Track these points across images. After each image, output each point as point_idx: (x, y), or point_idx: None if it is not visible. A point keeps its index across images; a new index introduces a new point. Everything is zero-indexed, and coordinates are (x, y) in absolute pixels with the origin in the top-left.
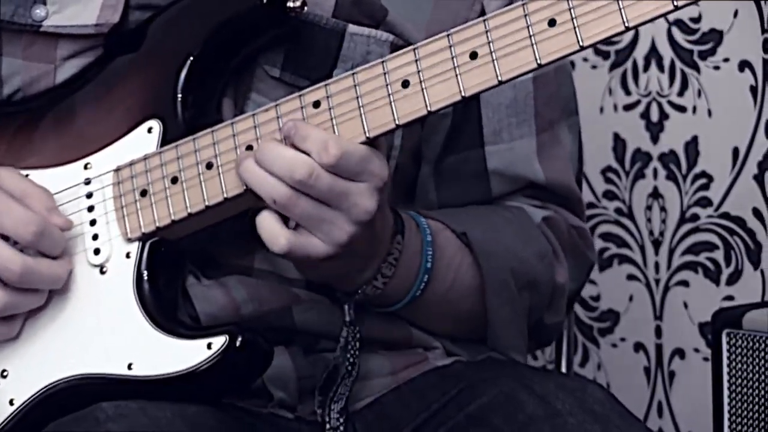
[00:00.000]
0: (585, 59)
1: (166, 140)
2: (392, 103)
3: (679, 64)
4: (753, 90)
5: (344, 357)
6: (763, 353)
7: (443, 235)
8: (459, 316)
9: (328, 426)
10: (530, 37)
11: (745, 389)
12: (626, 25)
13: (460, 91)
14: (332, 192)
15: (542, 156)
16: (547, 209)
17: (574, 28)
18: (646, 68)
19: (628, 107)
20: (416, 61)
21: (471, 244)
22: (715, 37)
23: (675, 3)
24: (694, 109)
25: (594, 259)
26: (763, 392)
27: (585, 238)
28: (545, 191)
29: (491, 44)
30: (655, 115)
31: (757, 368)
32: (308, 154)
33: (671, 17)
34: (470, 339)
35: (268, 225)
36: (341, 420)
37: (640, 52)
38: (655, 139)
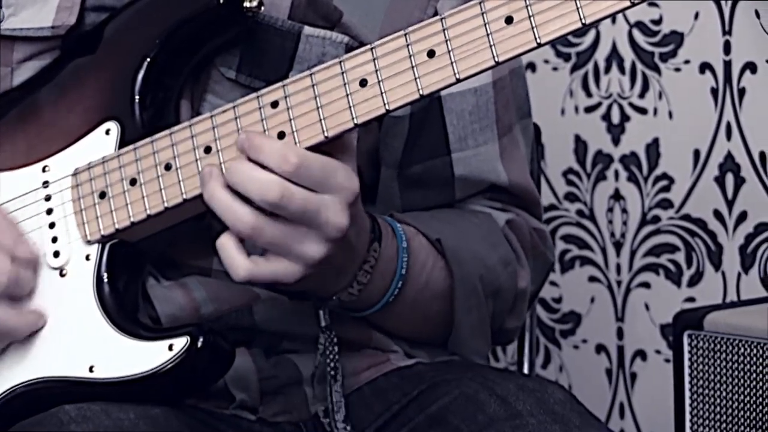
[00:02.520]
0: (546, 61)
1: (124, 142)
2: (350, 102)
3: (640, 66)
4: (714, 92)
5: (325, 363)
6: (724, 354)
7: (417, 241)
8: (426, 320)
9: None
10: (488, 35)
11: (706, 390)
12: (583, 21)
13: (418, 90)
14: (304, 211)
15: (504, 159)
16: (509, 212)
17: (532, 25)
18: (607, 70)
19: (589, 109)
20: (374, 60)
21: (444, 250)
22: (676, 39)
23: (632, 0)
24: (655, 111)
25: (553, 260)
26: (724, 393)
27: (545, 239)
28: (507, 193)
29: (449, 42)
30: (616, 117)
31: (718, 369)
32: (267, 166)
33: (632, 19)
34: (430, 343)
35: (226, 252)
36: (348, 428)
37: (601, 54)
38: (616, 141)
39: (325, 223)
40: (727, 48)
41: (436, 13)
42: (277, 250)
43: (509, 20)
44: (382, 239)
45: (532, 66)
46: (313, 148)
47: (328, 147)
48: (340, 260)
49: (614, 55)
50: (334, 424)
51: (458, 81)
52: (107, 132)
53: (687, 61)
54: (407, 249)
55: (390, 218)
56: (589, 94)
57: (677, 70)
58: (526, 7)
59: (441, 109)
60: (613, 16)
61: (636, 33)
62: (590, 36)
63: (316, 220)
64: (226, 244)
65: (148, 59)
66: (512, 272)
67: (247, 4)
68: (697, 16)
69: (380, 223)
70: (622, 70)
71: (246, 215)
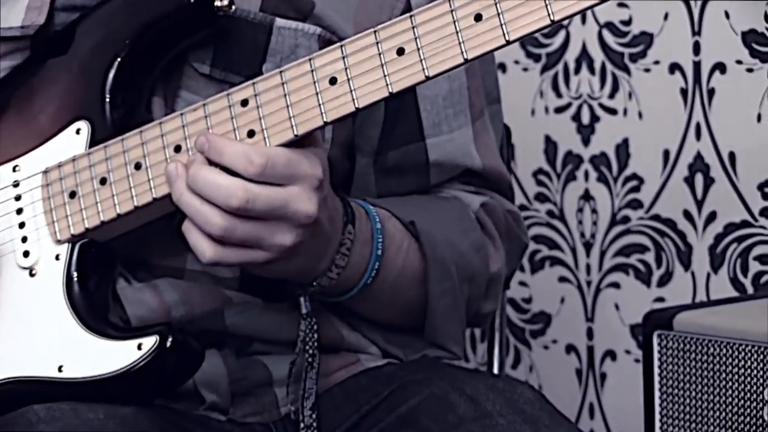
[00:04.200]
0: (516, 62)
1: (94, 141)
2: (320, 101)
3: (609, 67)
4: (683, 92)
5: (304, 350)
6: (693, 354)
7: (391, 223)
8: (404, 305)
9: (302, 425)
10: (457, 32)
11: (675, 390)
12: (552, 18)
13: (388, 87)
14: (271, 208)
15: (477, 143)
16: (483, 195)
17: (501, 22)
18: (577, 71)
19: (559, 110)
20: (343, 57)
21: (418, 233)
22: (646, 39)
23: None
24: (625, 112)
25: (527, 242)
26: (693, 393)
27: (519, 221)
28: (480, 177)
29: (418, 40)
30: (586, 118)
31: (687, 369)
32: (231, 169)
33: (602, 20)
34: (407, 338)
35: (193, 235)
36: (314, 416)
37: (571, 55)
38: (586, 142)
39: (294, 214)
40: (696, 48)
41: (408, 3)
42: (249, 244)
43: (478, 18)
44: (356, 221)
45: (502, 66)
46: None
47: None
48: (313, 245)
49: (584, 55)
50: (302, 410)
51: (427, 79)
52: (78, 131)
53: (657, 62)
54: (382, 230)
55: (362, 201)
56: (559, 95)
57: (647, 70)
58: (495, 4)
59: (415, 95)
60: (581, 13)
61: (606, 33)
62: (560, 37)
63: (284, 213)
64: (192, 228)
65: (119, 59)
66: (484, 257)
67: (217, 3)
68: (666, 16)
69: (353, 205)
70: (592, 71)
71: (215, 217)
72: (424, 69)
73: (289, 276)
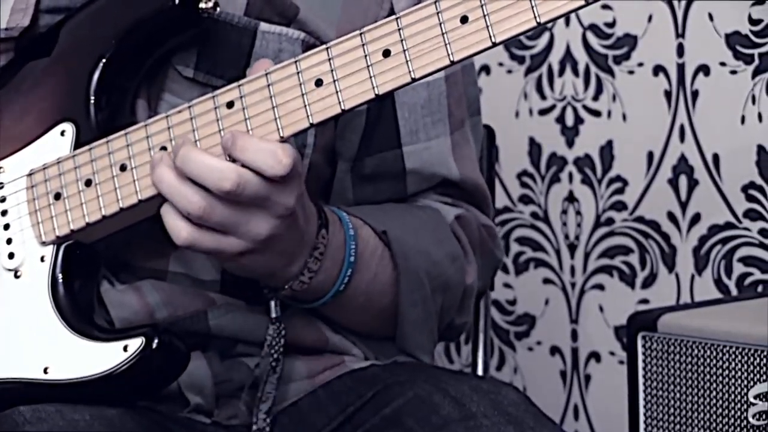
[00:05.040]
0: (500, 64)
1: (79, 143)
2: (306, 102)
3: (593, 69)
4: (667, 94)
5: (269, 354)
6: (677, 356)
7: (365, 231)
8: (378, 312)
9: (255, 427)
10: (443, 34)
11: (660, 392)
12: (538, 20)
13: (374, 89)
14: (257, 196)
15: (456, 154)
16: (459, 207)
17: (486, 24)
18: (561, 73)
19: (543, 112)
20: (329, 59)
21: (390, 242)
22: (630, 41)
23: None
24: (609, 114)
25: (501, 258)
26: (677, 395)
27: (493, 236)
28: (457, 189)
29: (404, 42)
30: (570, 120)
31: (671, 371)
32: (251, 167)
33: (586, 22)
34: (380, 343)
35: (170, 216)
36: (268, 420)
37: (555, 57)
38: (570, 144)
39: (274, 204)
40: (680, 50)
41: (391, 8)
42: (225, 229)
43: (464, 19)
44: (330, 226)
45: (486, 68)
46: None
47: None
48: (287, 241)
49: (568, 57)
50: (257, 413)
51: (413, 81)
52: (62, 133)
53: (641, 64)
54: (355, 237)
55: (335, 208)
56: (543, 97)
57: (631, 72)
58: (481, 6)
59: (393, 102)
60: (567, 16)
61: (590, 36)
62: (544, 39)
63: (266, 201)
64: (171, 210)
65: (104, 60)
66: (460, 267)
67: (202, 5)
68: (650, 18)
69: (327, 211)
70: (576, 73)
71: (195, 197)
72: (410, 70)
73: (261, 274)
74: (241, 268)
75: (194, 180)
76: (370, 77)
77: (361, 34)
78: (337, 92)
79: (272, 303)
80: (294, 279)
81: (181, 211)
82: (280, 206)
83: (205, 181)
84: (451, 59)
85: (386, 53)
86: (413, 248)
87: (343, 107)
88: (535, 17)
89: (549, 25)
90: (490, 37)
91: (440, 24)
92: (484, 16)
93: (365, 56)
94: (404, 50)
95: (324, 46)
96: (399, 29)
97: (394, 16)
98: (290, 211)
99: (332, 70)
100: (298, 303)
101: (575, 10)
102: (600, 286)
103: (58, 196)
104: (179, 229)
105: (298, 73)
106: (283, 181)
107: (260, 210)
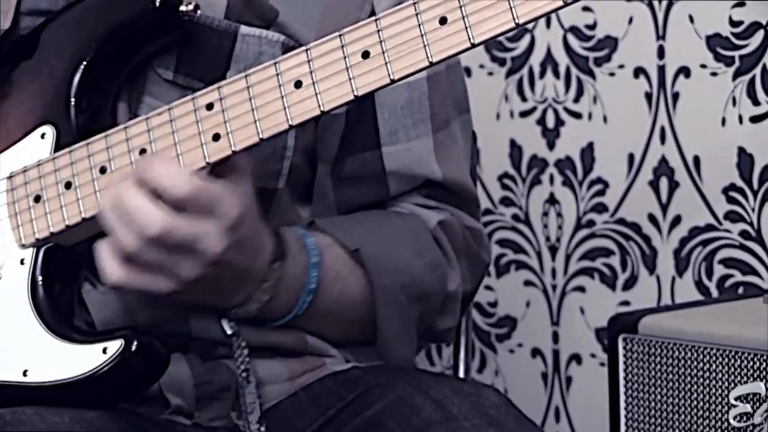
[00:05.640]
0: (481, 66)
1: (59, 146)
2: (285, 104)
3: (574, 71)
4: (648, 96)
5: (236, 367)
6: (658, 358)
7: (332, 252)
8: (347, 325)
9: None
10: (422, 35)
11: (641, 394)
12: (516, 21)
13: (353, 91)
14: (183, 243)
15: (439, 155)
16: (442, 211)
17: (465, 26)
18: (541, 75)
19: (524, 114)
20: (309, 61)
21: (364, 260)
22: (610, 43)
23: (565, 0)
24: (590, 116)
25: (488, 260)
26: (658, 396)
27: (479, 239)
28: (442, 190)
29: (383, 43)
30: (551, 122)
31: (652, 373)
32: (160, 189)
33: (566, 24)
34: (360, 347)
35: (101, 255)
36: (262, 429)
37: (536, 59)
38: (551, 146)
39: (202, 251)
40: (661, 52)
41: (372, 11)
42: (154, 270)
43: (443, 20)
44: (287, 257)
45: (467, 70)
46: (216, 165)
47: (219, 169)
48: (221, 282)
49: (549, 59)
50: (248, 426)
51: (393, 82)
52: (42, 136)
53: (621, 66)
54: (318, 264)
55: (303, 231)
56: (524, 99)
57: (611, 74)
58: (460, 7)
59: (373, 103)
60: (546, 16)
61: (570, 38)
62: (525, 41)
63: (192, 248)
64: (103, 248)
65: (84, 63)
66: (441, 275)
67: (183, 8)
68: (631, 20)
69: (287, 240)
70: (556, 75)
71: (129, 240)
72: (389, 72)
73: (201, 305)
74: (177, 300)
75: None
76: (349, 79)
77: (340, 35)
78: (316, 94)
79: (224, 322)
80: (239, 307)
81: (114, 244)
82: (208, 252)
83: (132, 223)
84: (430, 60)
85: (365, 54)
86: (389, 263)
87: (322, 109)
88: (513, 18)
89: (530, 27)
90: (469, 38)
91: (419, 25)
92: (463, 17)
93: (344, 58)
94: (383, 51)
95: (303, 48)
96: (378, 30)
97: (372, 18)
98: (218, 257)
99: (311, 72)
100: (253, 320)
101: (554, 11)
102: (581, 288)
103: (37, 199)
104: (111, 271)
105: (277, 74)
106: (216, 227)
107: (188, 254)
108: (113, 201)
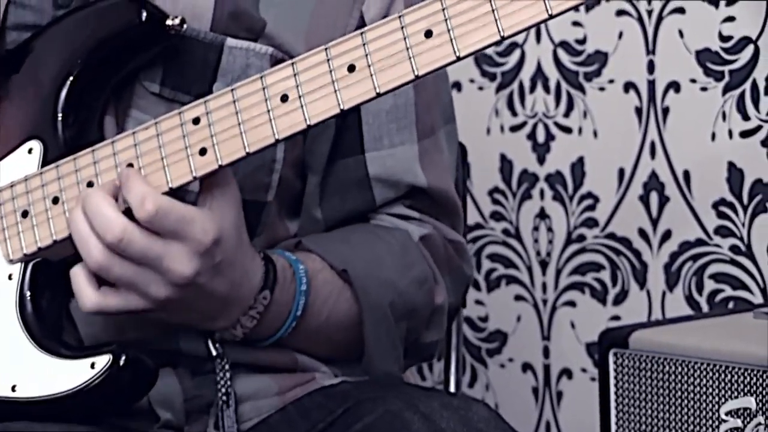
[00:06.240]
0: (472, 80)
1: (47, 160)
2: (271, 118)
3: (564, 86)
4: (638, 111)
5: (218, 389)
6: (649, 372)
7: (321, 277)
8: (333, 344)
9: None
10: (407, 49)
11: (631, 408)
12: (502, 34)
13: (339, 104)
14: (144, 256)
15: (424, 162)
16: (424, 224)
17: (450, 39)
18: (532, 89)
19: (514, 128)
20: (295, 75)
21: (352, 281)
22: (600, 58)
23: (549, 12)
24: (580, 130)
25: (471, 273)
26: (649, 411)
27: (462, 252)
28: (426, 199)
29: (368, 57)
30: (541, 136)
31: (643, 387)
32: (130, 205)
33: (556, 39)
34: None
35: (76, 283)
36: None
37: (526, 74)
38: (541, 160)
39: (167, 270)
40: (651, 67)
41: (362, 17)
42: (125, 286)
43: (428, 34)
44: (277, 285)
45: (457, 85)
46: (206, 180)
47: (207, 187)
48: (201, 304)
49: (539, 74)
50: None
51: (378, 95)
52: (30, 151)
53: (611, 81)
54: (306, 291)
55: (294, 258)
56: (514, 114)
57: (602, 89)
58: (445, 20)
59: (358, 108)
60: (531, 30)
61: (560, 52)
62: (515, 55)
63: (157, 266)
64: (79, 275)
65: (71, 78)
66: (428, 290)
67: (169, 22)
68: (621, 35)
69: (279, 268)
70: (547, 90)
71: (96, 251)
72: (375, 86)
73: (185, 325)
74: (160, 318)
75: (90, 226)
76: (336, 92)
77: (326, 49)
78: (302, 107)
79: (209, 342)
80: (223, 331)
81: (84, 260)
82: (174, 273)
83: (94, 227)
84: (416, 74)
85: (351, 68)
86: (376, 282)
87: (309, 122)
88: (499, 31)
89: (520, 42)
90: (455, 51)
91: (405, 38)
92: (449, 30)
93: (330, 71)
94: (369, 65)
95: (289, 62)
96: (364, 44)
97: (358, 31)
98: (187, 280)
99: (297, 86)
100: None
101: (538, 24)
102: (571, 303)
103: (25, 214)
104: (86, 298)
105: (263, 88)
106: (184, 249)
107: (155, 273)
108: (81, 205)
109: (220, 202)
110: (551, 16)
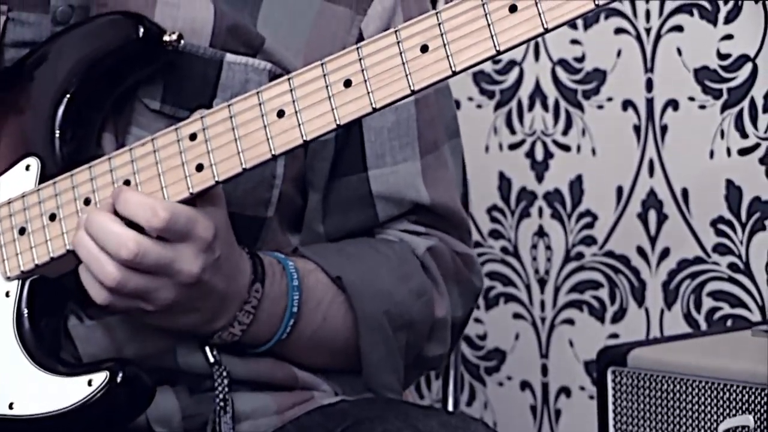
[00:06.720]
0: (470, 98)
1: (44, 177)
2: (268, 134)
3: (563, 104)
4: (636, 129)
5: (215, 396)
6: (647, 390)
7: (313, 277)
8: (333, 352)
9: None
10: (403, 64)
11: (630, 426)
12: (497, 49)
13: (335, 120)
14: (158, 264)
15: (427, 178)
16: (431, 237)
17: (447, 53)
18: (530, 107)
19: (513, 146)
20: (291, 90)
21: (346, 287)
22: (599, 76)
23: (545, 26)
24: (579, 148)
25: (480, 285)
26: (647, 429)
27: (470, 264)
28: (430, 214)
29: (365, 72)
30: (539, 154)
31: (641, 405)
32: (135, 220)
33: (555, 57)
34: (347, 377)
35: (87, 279)
36: None
37: (524, 92)
38: (540, 178)
39: (177, 272)
40: (649, 85)
41: (360, 35)
42: (138, 296)
43: (424, 49)
44: (266, 279)
45: (456, 103)
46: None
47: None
48: (203, 303)
49: (537, 92)
50: None
51: (375, 110)
52: (27, 168)
53: (610, 99)
54: (299, 287)
55: (282, 256)
56: (512, 131)
57: (600, 107)
58: (441, 35)
59: (360, 126)
60: (526, 44)
61: (559, 70)
62: (514, 73)
63: (169, 271)
64: (86, 271)
65: (68, 94)
66: (427, 302)
67: (166, 38)
68: (619, 53)
69: (266, 262)
70: (545, 108)
71: (111, 268)
72: (371, 101)
73: (184, 329)
74: (160, 325)
75: (100, 247)
76: (332, 108)
77: (322, 64)
78: (299, 123)
79: (207, 349)
80: (223, 331)
81: (97, 279)
82: (184, 274)
83: (105, 247)
84: (412, 89)
85: (347, 83)
86: (371, 290)
87: (305, 138)
88: (494, 46)
89: (518, 59)
90: (451, 66)
91: (401, 53)
92: (444, 45)
93: (326, 86)
94: (365, 80)
95: (286, 77)
96: (360, 59)
97: (354, 46)
98: (195, 278)
99: (294, 101)
100: (241, 348)
101: (533, 39)
102: (570, 321)
103: (22, 231)
104: (97, 294)
105: (260, 104)
106: (191, 249)
107: (165, 278)
108: (83, 227)
109: (208, 200)
110: (547, 30)
